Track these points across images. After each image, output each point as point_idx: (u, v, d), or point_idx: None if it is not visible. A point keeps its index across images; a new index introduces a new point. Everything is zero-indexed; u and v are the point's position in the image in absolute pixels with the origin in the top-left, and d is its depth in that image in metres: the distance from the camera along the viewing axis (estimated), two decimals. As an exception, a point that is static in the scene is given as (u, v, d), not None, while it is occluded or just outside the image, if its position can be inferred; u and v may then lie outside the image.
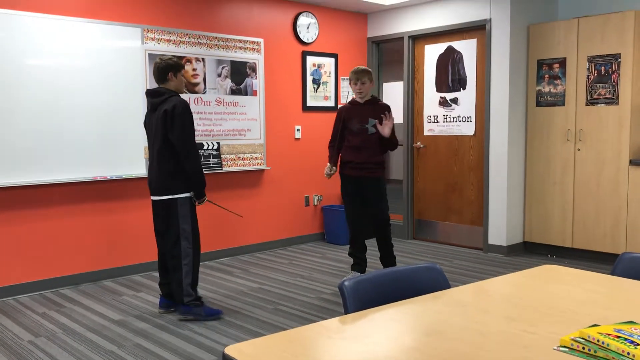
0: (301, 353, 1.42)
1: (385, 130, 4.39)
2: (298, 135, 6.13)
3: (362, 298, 1.79)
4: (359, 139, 4.49)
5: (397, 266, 2.06)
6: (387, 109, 4.50)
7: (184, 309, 3.80)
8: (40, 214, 4.47)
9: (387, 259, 4.62)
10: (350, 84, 4.56)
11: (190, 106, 5.16)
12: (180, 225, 3.74)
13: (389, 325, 1.60)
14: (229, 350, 1.41)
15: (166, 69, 3.76)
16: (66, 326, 3.73)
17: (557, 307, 1.72)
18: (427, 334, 1.52)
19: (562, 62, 5.36)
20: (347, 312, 1.75)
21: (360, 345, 1.46)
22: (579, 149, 5.30)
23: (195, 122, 5.16)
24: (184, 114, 3.66)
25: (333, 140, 4.68)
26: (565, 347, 1.42)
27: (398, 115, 6.46)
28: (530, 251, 5.75)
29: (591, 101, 5.19)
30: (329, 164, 4.65)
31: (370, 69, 4.59)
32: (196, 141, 3.94)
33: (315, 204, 6.35)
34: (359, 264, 4.65)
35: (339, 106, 4.79)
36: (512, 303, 1.78)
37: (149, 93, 3.83)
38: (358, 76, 4.48)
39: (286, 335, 1.53)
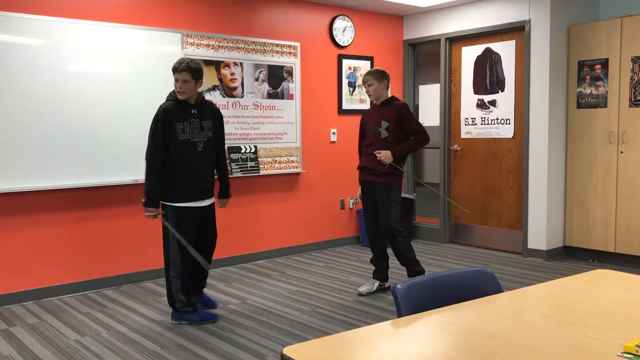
0: (359, 355, 1.41)
1: (383, 162, 4.24)
2: (334, 138, 6.14)
3: (414, 301, 1.78)
4: (372, 143, 4.32)
5: (448, 270, 2.05)
6: (400, 108, 4.27)
7: (177, 315, 3.81)
8: (81, 216, 4.56)
9: (409, 272, 4.40)
10: None
11: (228, 109, 5.23)
12: (168, 233, 3.73)
13: (444, 329, 1.58)
14: (287, 351, 1.41)
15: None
16: (110, 326, 3.79)
17: (617, 313, 1.68)
18: (485, 337, 1.50)
19: (605, 63, 5.25)
20: (400, 315, 1.74)
21: (418, 348, 1.45)
22: (622, 152, 5.18)
23: (232, 125, 5.26)
24: (153, 122, 3.69)
25: (359, 147, 4.54)
26: (629, 353, 1.38)
27: (435, 117, 6.42)
28: (571, 256, 5.63)
29: (635, 102, 5.06)
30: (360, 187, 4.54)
31: (379, 69, 4.37)
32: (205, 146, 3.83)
33: (351, 207, 6.34)
34: (379, 272, 4.48)
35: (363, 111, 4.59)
36: (570, 308, 1.74)
37: None
38: (364, 78, 4.34)
39: (342, 337, 1.53)
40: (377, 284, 4.50)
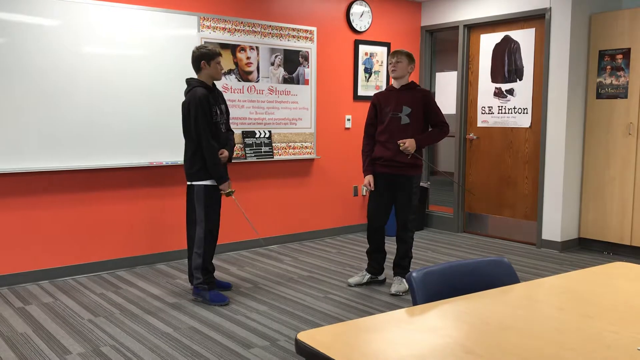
0: (374, 342, 1.40)
1: (408, 152, 4.02)
2: (348, 124, 6.10)
3: (429, 290, 1.76)
4: (390, 131, 4.06)
5: (463, 259, 2.02)
6: (427, 95, 4.07)
7: (195, 291, 3.97)
8: (96, 197, 4.59)
9: (399, 267, 4.24)
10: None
11: (243, 94, 5.22)
12: (196, 211, 3.90)
13: (461, 318, 1.57)
14: (302, 336, 1.41)
15: (199, 59, 3.85)
16: (123, 307, 3.82)
17: (636, 306, 1.65)
18: (502, 328, 1.49)
19: (626, 53, 5.16)
20: (415, 303, 1.73)
21: (434, 337, 1.44)
22: (641, 144, 5.10)
23: (247, 110, 5.25)
24: (197, 107, 3.74)
25: (367, 133, 4.23)
26: (650, 348, 1.36)
27: (451, 105, 6.36)
28: (586, 248, 5.58)
29: (656, 94, 4.97)
30: (366, 177, 4.18)
31: (411, 53, 4.13)
32: (227, 129, 4.03)
33: (364, 194, 6.32)
34: (371, 266, 4.34)
35: (375, 93, 4.27)
36: (588, 301, 1.72)
37: (186, 82, 3.97)
38: (395, 53, 4.06)
39: (357, 324, 1.52)
40: (368, 276, 4.34)
